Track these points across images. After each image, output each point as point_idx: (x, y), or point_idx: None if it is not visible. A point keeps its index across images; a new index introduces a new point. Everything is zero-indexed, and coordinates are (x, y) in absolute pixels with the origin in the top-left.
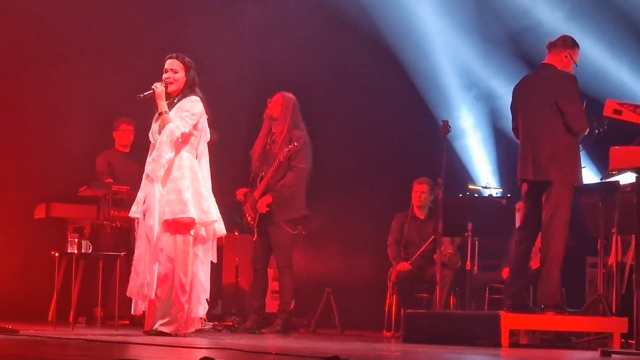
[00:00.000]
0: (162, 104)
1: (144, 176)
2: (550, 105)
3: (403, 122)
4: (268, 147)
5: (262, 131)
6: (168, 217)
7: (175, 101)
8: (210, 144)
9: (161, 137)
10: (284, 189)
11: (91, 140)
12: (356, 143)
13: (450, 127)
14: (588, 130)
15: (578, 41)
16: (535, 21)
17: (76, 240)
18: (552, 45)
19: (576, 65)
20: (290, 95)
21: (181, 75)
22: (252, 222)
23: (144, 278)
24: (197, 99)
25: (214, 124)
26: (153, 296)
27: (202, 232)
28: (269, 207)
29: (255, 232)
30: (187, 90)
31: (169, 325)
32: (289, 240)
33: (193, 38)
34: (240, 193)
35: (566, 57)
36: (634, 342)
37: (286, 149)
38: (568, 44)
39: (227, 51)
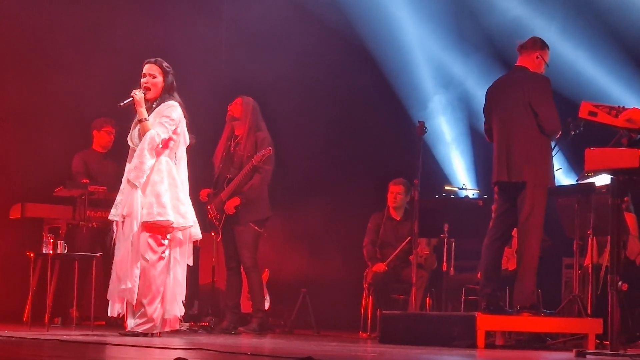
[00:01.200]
0: (142, 111)
1: (124, 180)
2: (524, 107)
3: (379, 122)
4: (232, 149)
5: (224, 134)
6: (146, 219)
7: (153, 106)
8: (188, 148)
9: (142, 145)
10: (252, 191)
11: (67, 140)
12: (332, 144)
13: (426, 127)
14: (561, 131)
15: (556, 44)
16: (512, 22)
17: (52, 240)
18: (522, 47)
19: (547, 65)
20: (249, 98)
21: (159, 80)
22: (217, 223)
23: (127, 283)
24: (176, 104)
25: (189, 126)
26: (135, 302)
27: (179, 235)
28: (236, 209)
29: (220, 233)
30: (165, 94)
31: (144, 326)
32: (256, 240)
33: (170, 41)
34: (203, 194)
35: (537, 57)
36: (608, 343)
37: (260, 154)
38: (538, 45)
39: (204, 55)
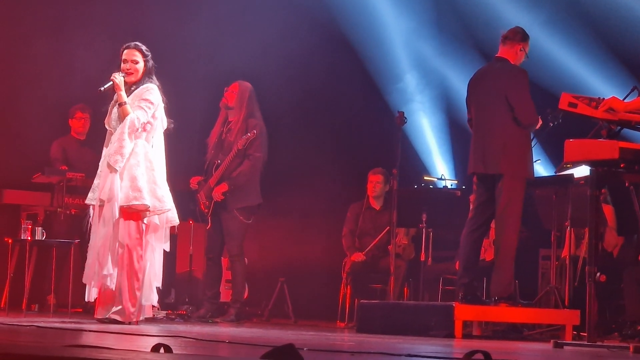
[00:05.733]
0: (122, 95)
1: (102, 164)
2: (501, 99)
3: (359, 112)
4: (224, 135)
5: (218, 120)
6: (122, 203)
7: (132, 89)
8: (166, 132)
9: (122, 129)
10: (240, 177)
11: (46, 126)
12: (311, 133)
13: (405, 118)
14: (540, 124)
15: (534, 34)
16: (492, 14)
17: (30, 227)
18: (505, 38)
19: (527, 56)
20: (247, 84)
21: (141, 65)
22: (206, 210)
23: (108, 269)
24: (155, 87)
25: (170, 112)
26: (114, 288)
27: (156, 220)
28: (224, 195)
29: (209, 221)
30: (145, 78)
31: (122, 313)
32: (242, 228)
33: (149, 24)
34: (193, 181)
35: (520, 50)
36: (585, 334)
37: (244, 137)
38: (520, 36)
39: (183, 37)
